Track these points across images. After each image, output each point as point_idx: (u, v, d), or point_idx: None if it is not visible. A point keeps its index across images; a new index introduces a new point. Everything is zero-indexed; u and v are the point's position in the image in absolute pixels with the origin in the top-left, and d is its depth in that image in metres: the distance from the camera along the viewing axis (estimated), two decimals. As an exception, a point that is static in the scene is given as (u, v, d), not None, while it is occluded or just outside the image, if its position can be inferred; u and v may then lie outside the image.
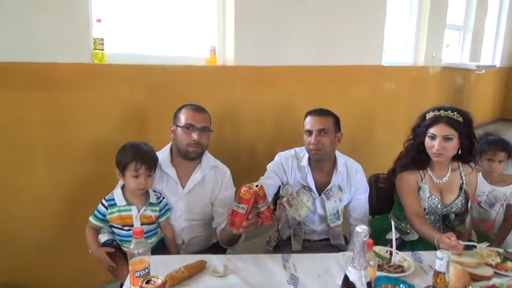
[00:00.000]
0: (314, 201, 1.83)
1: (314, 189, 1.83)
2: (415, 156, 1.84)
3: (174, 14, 2.55)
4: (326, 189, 1.83)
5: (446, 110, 1.76)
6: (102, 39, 1.99)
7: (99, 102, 2.04)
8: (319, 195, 1.84)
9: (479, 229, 2.08)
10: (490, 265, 1.38)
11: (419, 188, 1.84)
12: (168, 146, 1.79)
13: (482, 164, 2.09)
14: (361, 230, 0.96)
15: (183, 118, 1.71)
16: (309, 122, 1.82)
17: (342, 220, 1.87)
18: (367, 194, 1.93)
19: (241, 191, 1.35)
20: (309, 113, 1.86)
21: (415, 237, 1.84)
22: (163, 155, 1.73)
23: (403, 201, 1.84)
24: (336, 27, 3.38)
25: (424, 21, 4.55)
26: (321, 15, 3.22)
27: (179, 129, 1.70)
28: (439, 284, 0.93)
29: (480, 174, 2.14)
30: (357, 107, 3.77)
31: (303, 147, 1.88)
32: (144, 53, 2.37)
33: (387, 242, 1.89)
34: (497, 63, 6.71)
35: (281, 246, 1.90)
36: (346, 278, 0.99)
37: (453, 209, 1.84)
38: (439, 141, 1.72)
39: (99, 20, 1.98)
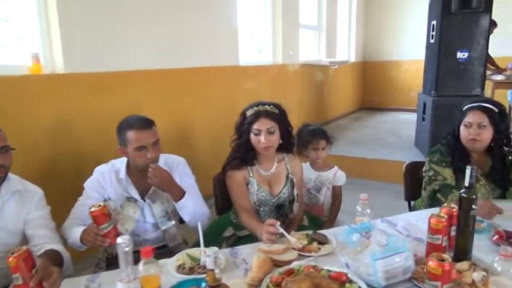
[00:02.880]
0: (142, 210, 1.76)
1: (139, 198, 1.75)
2: (244, 155, 1.88)
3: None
4: (149, 193, 1.76)
5: (263, 105, 1.84)
6: None
7: None
8: (145, 201, 1.76)
9: (311, 213, 2.23)
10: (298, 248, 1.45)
11: (248, 183, 1.89)
12: None
13: (309, 153, 2.25)
14: (122, 240, 0.90)
15: None
16: (140, 138, 1.68)
17: (174, 221, 1.82)
18: (193, 181, 1.91)
19: (8, 260, 1.14)
20: (131, 127, 1.70)
21: (247, 232, 1.88)
22: None
23: (232, 198, 1.88)
24: (185, 28, 3.35)
25: (278, 21, 4.81)
26: (167, 15, 3.16)
27: None
28: (209, 281, 0.93)
29: (308, 163, 2.30)
30: (219, 107, 3.79)
31: (121, 158, 1.79)
32: None
33: (224, 240, 1.92)
34: (352, 59, 7.47)
35: (113, 263, 1.77)
36: (115, 293, 0.93)
37: (281, 199, 1.94)
38: (265, 135, 1.79)
39: None
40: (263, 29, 4.79)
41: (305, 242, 1.48)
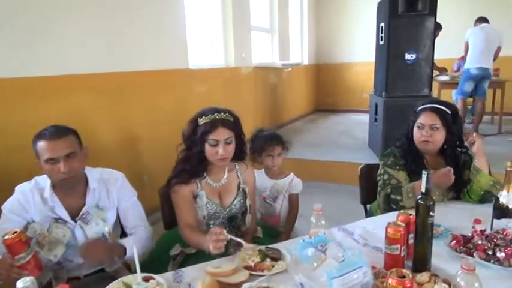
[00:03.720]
0: (73, 231, 1.55)
1: (69, 218, 1.54)
2: (195, 168, 1.72)
3: None
4: (81, 213, 1.56)
5: (219, 112, 1.67)
6: None
7: None
8: (76, 222, 1.56)
9: (266, 224, 2.12)
10: (249, 267, 1.32)
11: (196, 196, 1.74)
12: None
13: (264, 160, 2.14)
14: (22, 284, 0.73)
15: None
16: (49, 149, 1.46)
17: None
18: (135, 197, 1.74)
19: None
20: (41, 137, 1.48)
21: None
22: None
23: (176, 214, 1.72)
24: (128, 29, 3.13)
25: (229, 24, 4.69)
26: (108, 16, 2.93)
27: None
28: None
29: (263, 170, 2.18)
30: (168, 113, 3.59)
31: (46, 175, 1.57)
32: None
33: (171, 259, 1.74)
34: (305, 61, 7.50)
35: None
36: None
37: (233, 210, 1.80)
38: (223, 146, 1.64)
39: None
40: (214, 32, 4.64)
41: (257, 259, 1.35)
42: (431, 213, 1.22)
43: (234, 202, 1.80)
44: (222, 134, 1.64)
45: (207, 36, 4.60)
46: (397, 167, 1.92)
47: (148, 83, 3.38)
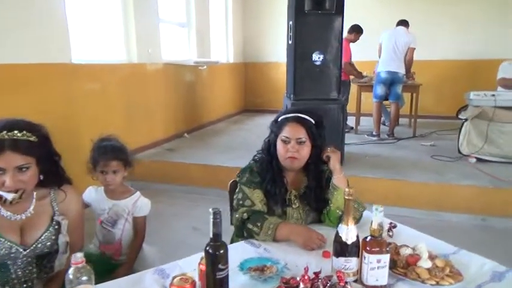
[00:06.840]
0: None
1: None
2: None
3: None
4: None
5: (11, 130, 1.24)
6: None
7: None
8: None
9: (105, 254, 1.75)
10: None
11: None
12: None
13: (98, 176, 1.75)
14: None
15: None
16: None
17: None
18: None
19: None
20: None
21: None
22: None
23: None
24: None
25: (130, 15, 4.23)
26: None
27: None
28: None
29: (102, 188, 1.80)
30: (50, 113, 3.07)
31: None
32: None
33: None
34: (231, 59, 7.19)
35: None
36: None
37: (39, 249, 1.39)
38: (12, 176, 1.23)
39: None
40: (112, 23, 4.16)
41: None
42: (220, 266, 0.91)
43: (41, 238, 1.39)
44: (11, 160, 1.23)
45: (104, 29, 4.11)
46: (252, 185, 1.63)
47: (14, 79, 2.87)
